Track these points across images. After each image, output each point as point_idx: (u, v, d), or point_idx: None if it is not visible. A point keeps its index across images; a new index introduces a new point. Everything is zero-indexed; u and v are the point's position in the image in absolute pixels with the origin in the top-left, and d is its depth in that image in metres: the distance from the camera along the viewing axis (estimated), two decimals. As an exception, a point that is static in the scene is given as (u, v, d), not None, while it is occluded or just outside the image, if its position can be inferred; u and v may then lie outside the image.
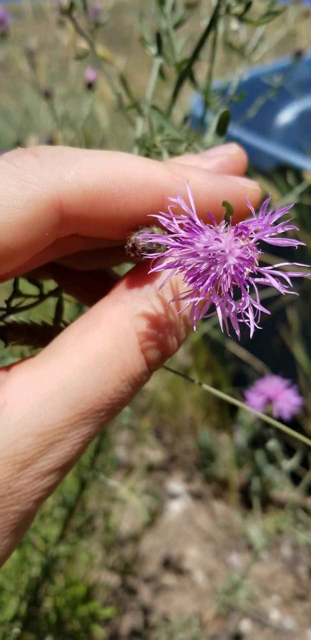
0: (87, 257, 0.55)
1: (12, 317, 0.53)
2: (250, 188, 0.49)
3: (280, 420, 1.11)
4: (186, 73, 0.74)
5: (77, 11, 0.97)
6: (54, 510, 1.29)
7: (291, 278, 0.40)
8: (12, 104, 4.03)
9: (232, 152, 0.53)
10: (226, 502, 2.26)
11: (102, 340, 0.40)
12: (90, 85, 1.71)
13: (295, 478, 2.10)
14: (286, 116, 2.25)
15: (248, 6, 0.64)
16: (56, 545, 1.25)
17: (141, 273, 0.44)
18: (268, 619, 1.87)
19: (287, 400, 1.13)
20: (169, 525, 2.21)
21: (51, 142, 1.66)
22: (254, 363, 2.04)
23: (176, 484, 2.35)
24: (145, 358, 0.42)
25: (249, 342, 2.05)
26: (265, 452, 2.19)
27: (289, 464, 1.13)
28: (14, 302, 0.54)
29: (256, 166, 1.55)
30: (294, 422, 1.98)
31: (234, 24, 1.09)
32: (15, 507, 0.37)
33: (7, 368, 0.41)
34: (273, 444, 1.14)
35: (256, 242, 0.40)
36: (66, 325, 0.53)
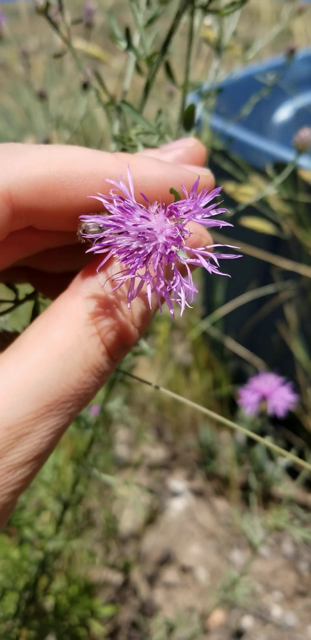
0: (58, 258, 0.56)
1: None
2: (201, 174, 0.50)
3: (275, 417, 1.11)
4: (157, 66, 0.74)
5: (54, 9, 0.97)
6: (50, 506, 1.29)
7: (225, 257, 0.41)
8: (12, 105, 4.04)
9: (189, 145, 0.54)
10: (228, 500, 2.27)
11: (63, 333, 0.41)
12: (85, 86, 1.71)
13: (294, 474, 2.10)
14: (284, 113, 2.25)
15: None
16: (51, 540, 1.26)
17: (96, 262, 0.45)
18: (270, 615, 1.88)
19: (282, 397, 1.13)
20: (171, 523, 2.22)
21: (47, 141, 1.67)
22: (253, 360, 2.04)
23: (177, 482, 2.36)
24: (104, 346, 0.43)
25: (249, 340, 2.06)
26: (265, 448, 2.19)
27: (285, 460, 1.13)
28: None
29: (252, 164, 1.56)
30: (293, 419, 1.98)
31: (207, 19, 1.09)
32: None
33: None
34: (267, 441, 1.14)
35: (186, 222, 0.41)
36: None
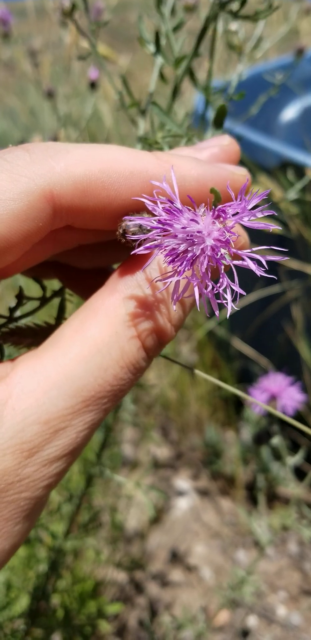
0: (88, 255, 0.57)
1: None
2: (238, 173, 0.50)
3: (289, 416, 1.11)
4: (185, 70, 0.74)
5: (79, 11, 0.98)
6: (62, 506, 1.30)
7: (272, 259, 0.41)
8: (17, 104, 4.05)
9: (224, 143, 0.54)
10: (233, 499, 2.27)
11: (101, 329, 0.42)
12: (93, 85, 1.72)
13: (300, 474, 2.10)
14: (290, 113, 2.24)
15: (243, 3, 0.65)
16: (63, 540, 1.27)
17: (134, 260, 0.45)
18: (275, 615, 1.88)
19: (291, 397, 1.13)
20: (176, 522, 2.22)
21: (55, 140, 1.66)
22: (259, 360, 2.04)
23: (182, 481, 2.36)
24: (142, 344, 0.44)
25: (255, 339, 2.06)
26: (271, 448, 2.19)
27: (293, 459, 1.13)
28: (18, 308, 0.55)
29: (260, 163, 1.55)
30: (299, 418, 1.98)
31: (233, 25, 1.09)
32: (24, 494, 0.38)
33: (13, 360, 0.43)
34: (276, 441, 1.15)
35: (233, 224, 0.41)
36: None
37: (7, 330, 0.52)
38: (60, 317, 0.55)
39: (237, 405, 2.40)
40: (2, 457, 0.37)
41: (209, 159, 0.53)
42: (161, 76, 0.85)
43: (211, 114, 0.95)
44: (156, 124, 0.76)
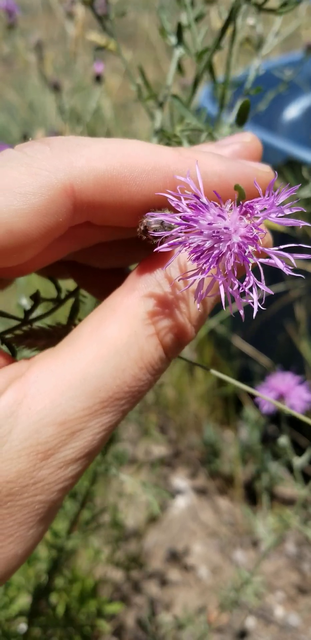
0: (104, 254, 0.56)
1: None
2: (262, 170, 0.49)
3: (291, 416, 1.11)
4: (206, 64, 0.73)
5: (85, 5, 0.97)
6: (65, 505, 1.28)
7: (301, 257, 0.40)
8: (16, 99, 4.02)
9: (246, 140, 0.53)
10: (231, 499, 2.26)
11: (119, 329, 0.41)
12: (98, 78, 1.70)
13: (302, 475, 2.10)
14: (293, 111, 2.24)
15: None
16: (65, 539, 1.25)
17: (155, 258, 0.44)
18: (273, 615, 1.87)
19: (299, 396, 1.12)
20: (174, 521, 2.21)
21: (58, 135, 1.65)
22: (260, 359, 2.03)
23: (180, 480, 2.35)
24: (161, 344, 0.42)
25: (256, 338, 2.05)
26: (270, 448, 2.19)
27: (300, 460, 1.12)
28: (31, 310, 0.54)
29: (265, 161, 1.54)
30: (298, 418, 1.97)
31: (250, 20, 1.09)
32: (39, 497, 0.37)
33: (28, 359, 0.42)
34: (284, 440, 1.14)
35: (261, 221, 0.40)
36: None
37: (21, 332, 0.51)
38: (73, 318, 0.54)
39: (236, 404, 2.40)
40: (17, 459, 0.36)
41: (232, 156, 0.52)
42: (179, 68, 0.84)
43: (218, 110, 0.94)
44: (176, 117, 0.75)
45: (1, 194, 0.38)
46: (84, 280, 0.58)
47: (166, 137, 0.66)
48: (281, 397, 1.14)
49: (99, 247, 0.53)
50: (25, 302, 1.29)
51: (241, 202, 0.40)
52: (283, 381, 1.16)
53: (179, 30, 0.71)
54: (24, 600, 1.38)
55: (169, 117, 0.74)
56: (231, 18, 0.66)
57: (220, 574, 2.01)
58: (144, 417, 2.45)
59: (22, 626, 1.31)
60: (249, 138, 0.54)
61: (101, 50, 0.96)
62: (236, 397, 2.38)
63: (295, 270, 0.39)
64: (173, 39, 0.72)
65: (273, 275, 1.85)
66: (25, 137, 1.91)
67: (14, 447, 0.36)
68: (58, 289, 0.56)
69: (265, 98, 1.34)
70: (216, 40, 0.69)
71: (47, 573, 1.19)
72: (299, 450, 1.44)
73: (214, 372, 0.54)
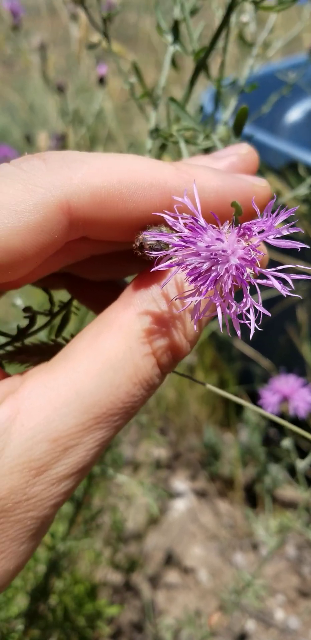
0: (99, 266, 0.56)
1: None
2: (259, 185, 0.49)
3: (296, 418, 1.11)
4: (203, 62, 0.73)
5: (89, 5, 0.96)
6: (62, 507, 1.28)
7: (297, 278, 0.40)
8: (16, 100, 4.02)
9: (242, 152, 0.53)
10: (231, 501, 2.25)
11: (115, 344, 0.41)
12: (102, 80, 1.70)
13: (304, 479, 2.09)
14: (295, 114, 2.24)
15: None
16: (63, 540, 1.25)
17: (150, 274, 0.44)
18: (273, 619, 1.86)
19: (303, 398, 1.12)
20: (173, 524, 2.21)
21: (63, 137, 1.65)
22: (261, 361, 2.03)
23: (180, 482, 2.34)
24: (157, 361, 0.42)
25: (257, 341, 2.05)
26: (270, 451, 2.18)
27: (303, 463, 1.12)
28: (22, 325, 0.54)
29: (267, 164, 1.55)
30: (297, 420, 1.97)
31: (244, 16, 1.09)
32: (31, 513, 0.37)
33: (22, 374, 0.42)
34: (287, 443, 1.13)
35: (258, 243, 0.40)
36: None
37: (13, 349, 0.51)
38: (62, 329, 0.54)
39: (237, 407, 2.39)
40: (9, 476, 0.36)
41: (228, 169, 0.52)
42: (173, 64, 0.84)
43: (221, 109, 0.94)
44: (172, 117, 0.74)
45: None
46: (77, 291, 0.58)
47: (162, 137, 0.66)
48: (284, 400, 1.14)
49: (93, 259, 0.53)
50: (20, 302, 1.28)
51: (239, 224, 0.40)
52: (286, 383, 1.15)
53: (176, 27, 0.70)
54: (23, 602, 1.38)
55: (166, 116, 0.74)
56: (229, 13, 0.66)
57: (220, 577, 2.00)
58: (145, 419, 2.45)
59: (20, 627, 1.30)
60: (245, 150, 0.54)
61: (94, 48, 0.96)
62: (237, 400, 2.37)
63: (292, 291, 0.39)
64: (169, 37, 0.72)
65: (277, 277, 1.86)
66: (27, 139, 1.91)
67: (7, 464, 0.36)
68: (51, 301, 0.56)
69: (268, 101, 1.34)
70: (213, 38, 0.69)
71: (45, 575, 1.18)
72: (301, 453, 1.44)
73: (211, 387, 0.54)
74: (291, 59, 2.15)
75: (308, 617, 1.86)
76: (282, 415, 1.15)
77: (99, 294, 0.58)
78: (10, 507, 0.36)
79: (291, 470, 2.22)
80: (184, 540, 2.14)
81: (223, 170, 0.49)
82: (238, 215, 0.42)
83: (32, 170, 0.40)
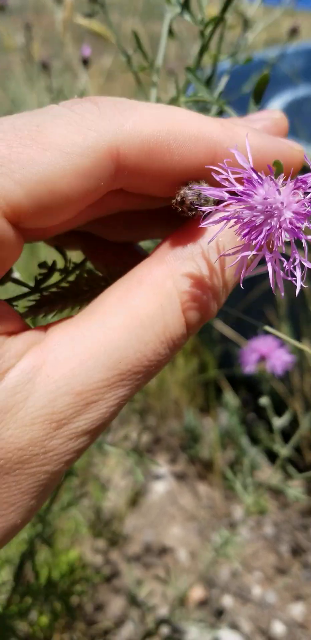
0: (121, 225, 0.54)
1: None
2: (296, 149, 0.48)
3: (273, 376, 1.15)
4: (212, 33, 0.74)
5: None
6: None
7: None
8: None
9: (275, 117, 0.53)
10: (210, 483, 2.29)
11: (145, 301, 0.40)
12: (85, 62, 1.72)
13: (273, 458, 2.14)
14: (275, 106, 2.29)
15: None
16: (45, 512, 1.26)
17: (186, 232, 0.43)
18: (250, 594, 1.90)
19: (279, 357, 1.16)
20: (153, 506, 2.23)
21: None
22: (241, 342, 2.07)
23: (159, 466, 2.37)
24: (185, 320, 0.41)
25: (237, 325, 2.09)
26: (249, 434, 2.23)
27: (280, 421, 1.16)
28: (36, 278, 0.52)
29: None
30: (279, 402, 2.02)
31: None
32: (46, 467, 0.37)
33: (45, 327, 0.41)
34: (265, 400, 1.17)
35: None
36: (99, 276, 0.52)
37: (34, 303, 0.50)
38: (83, 265, 0.53)
39: (217, 391, 2.43)
40: (30, 427, 0.35)
41: (263, 131, 0.51)
42: (170, 32, 0.86)
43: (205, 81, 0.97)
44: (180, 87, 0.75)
45: (48, 150, 0.36)
46: (92, 251, 0.57)
47: None
48: (262, 358, 1.18)
49: (118, 216, 0.52)
50: (18, 275, 1.30)
51: (295, 177, 0.39)
52: (264, 343, 1.19)
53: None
54: (5, 572, 1.39)
55: (176, 88, 0.74)
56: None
57: (198, 556, 2.03)
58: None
59: (4, 597, 1.31)
60: (278, 115, 0.53)
61: (90, 17, 0.98)
62: (216, 384, 2.42)
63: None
64: (177, 9, 0.73)
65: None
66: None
67: (30, 414, 0.36)
68: (66, 259, 0.54)
69: (250, 81, 1.38)
70: (222, 9, 0.70)
71: (29, 544, 1.19)
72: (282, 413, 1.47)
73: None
74: (271, 50, 2.20)
75: (285, 592, 1.90)
76: (259, 374, 1.18)
77: (112, 256, 0.57)
78: (27, 459, 0.36)
79: (270, 454, 2.27)
80: (164, 521, 2.17)
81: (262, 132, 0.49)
82: (278, 175, 0.41)
83: (84, 113, 0.39)
